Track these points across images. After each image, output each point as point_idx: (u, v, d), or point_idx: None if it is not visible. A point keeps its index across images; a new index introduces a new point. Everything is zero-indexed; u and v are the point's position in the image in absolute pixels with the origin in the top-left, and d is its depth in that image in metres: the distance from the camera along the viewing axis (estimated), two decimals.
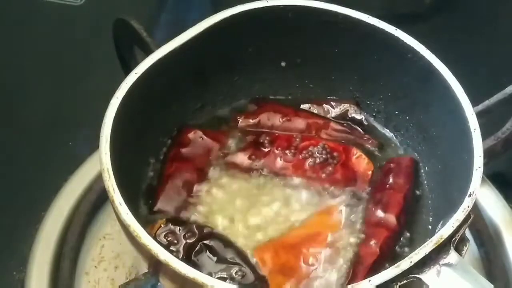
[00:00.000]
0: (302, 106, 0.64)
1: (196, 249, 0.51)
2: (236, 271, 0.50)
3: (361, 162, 0.59)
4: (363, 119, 0.63)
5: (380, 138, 0.62)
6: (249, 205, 0.56)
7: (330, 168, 0.58)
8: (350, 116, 0.63)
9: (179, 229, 0.52)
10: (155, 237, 0.50)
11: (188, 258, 0.50)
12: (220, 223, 0.55)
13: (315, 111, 0.63)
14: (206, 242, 0.52)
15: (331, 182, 0.57)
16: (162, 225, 0.52)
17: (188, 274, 0.44)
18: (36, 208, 0.66)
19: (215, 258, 0.51)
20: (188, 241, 0.52)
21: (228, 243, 0.53)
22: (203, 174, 0.58)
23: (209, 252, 0.51)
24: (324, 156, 0.58)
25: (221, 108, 0.63)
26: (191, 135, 0.59)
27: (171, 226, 0.52)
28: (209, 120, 0.63)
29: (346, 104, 0.63)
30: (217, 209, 0.56)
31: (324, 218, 0.55)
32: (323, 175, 0.58)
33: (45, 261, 0.61)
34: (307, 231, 0.54)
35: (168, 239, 0.52)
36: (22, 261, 0.62)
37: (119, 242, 0.63)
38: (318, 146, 0.59)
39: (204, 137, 0.59)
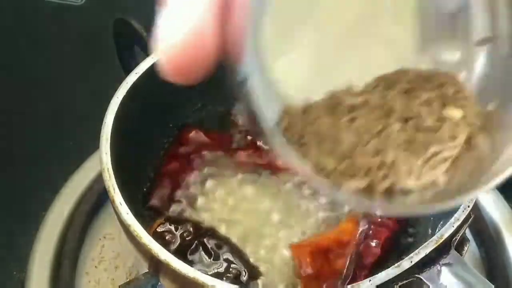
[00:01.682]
0: None
1: (192, 247, 0.51)
2: (231, 269, 0.50)
3: None
4: None
5: None
6: (248, 203, 0.56)
7: None
8: None
9: (177, 228, 0.52)
10: (153, 236, 0.50)
11: (184, 256, 0.50)
12: (218, 222, 0.55)
13: None
14: (203, 240, 0.52)
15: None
16: (160, 225, 0.52)
17: (188, 274, 0.43)
18: (36, 208, 0.65)
19: (211, 257, 0.51)
20: (185, 240, 0.52)
21: (224, 241, 0.53)
22: (201, 172, 0.58)
23: (205, 251, 0.51)
24: None
25: (222, 107, 0.63)
26: (192, 134, 0.59)
27: (169, 226, 0.52)
28: (210, 120, 0.63)
29: None
30: (215, 207, 0.56)
31: (349, 225, 0.55)
32: None
33: (45, 261, 0.61)
34: (336, 236, 0.54)
35: (166, 238, 0.52)
36: (22, 261, 0.62)
37: (119, 242, 0.63)
38: None
39: (204, 136, 0.59)
